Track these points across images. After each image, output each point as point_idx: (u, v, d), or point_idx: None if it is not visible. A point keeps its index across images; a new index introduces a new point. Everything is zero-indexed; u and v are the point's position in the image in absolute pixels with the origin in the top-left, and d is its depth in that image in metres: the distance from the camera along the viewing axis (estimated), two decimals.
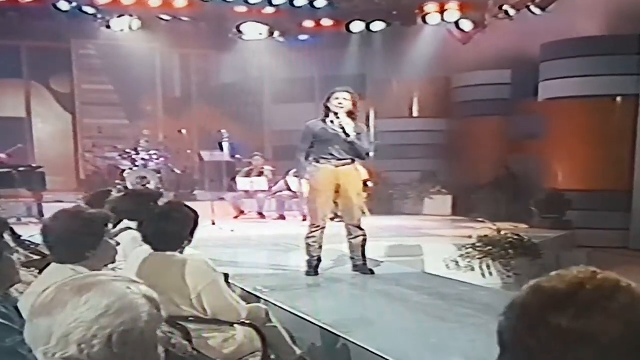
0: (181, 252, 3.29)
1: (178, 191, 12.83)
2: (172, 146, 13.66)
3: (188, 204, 12.01)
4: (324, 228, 5.44)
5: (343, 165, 5.26)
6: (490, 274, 7.27)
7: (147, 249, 3.18)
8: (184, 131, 13.75)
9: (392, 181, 13.05)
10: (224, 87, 15.53)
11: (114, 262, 2.82)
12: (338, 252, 6.15)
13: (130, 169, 12.56)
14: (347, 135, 5.17)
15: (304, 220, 10.91)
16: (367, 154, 5.45)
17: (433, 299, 4.71)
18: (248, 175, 11.63)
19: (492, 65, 12.96)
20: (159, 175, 12.72)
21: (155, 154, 12.96)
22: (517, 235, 7.78)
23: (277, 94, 15.23)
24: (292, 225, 10.60)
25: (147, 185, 12.43)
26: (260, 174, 11.58)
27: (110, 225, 2.75)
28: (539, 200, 10.31)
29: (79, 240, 2.62)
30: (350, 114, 5.22)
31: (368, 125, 14.63)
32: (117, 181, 12.49)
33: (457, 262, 7.33)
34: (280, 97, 15.12)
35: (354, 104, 5.26)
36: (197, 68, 15.85)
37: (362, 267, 5.51)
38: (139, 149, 12.86)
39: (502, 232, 7.86)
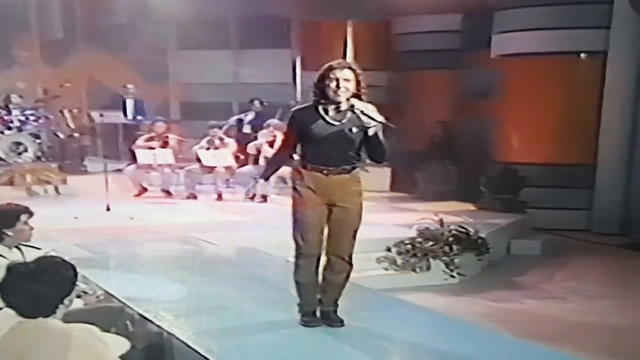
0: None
1: (63, 161, 12.61)
2: (54, 104, 13.32)
3: (78, 177, 11.74)
4: (319, 258, 4.69)
5: (339, 173, 4.55)
6: (431, 275, 7.56)
7: (12, 313, 3.18)
8: (67, 84, 13.45)
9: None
10: (118, 28, 15.17)
11: None
12: None
13: (2, 132, 12.22)
14: (369, 125, 4.38)
15: (219, 199, 11.00)
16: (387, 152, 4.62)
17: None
18: (149, 145, 11.47)
19: (440, 8, 13.15)
20: (38, 141, 12.42)
21: (32, 113, 12.61)
22: (463, 227, 8.10)
23: (184, 38, 15.04)
24: (205, 207, 10.61)
25: (24, 154, 12.16)
26: (165, 143, 11.45)
27: None
28: (490, 178, 10.68)
29: None
30: (354, 96, 4.46)
31: (295, 78, 14.81)
32: None
33: (394, 261, 7.57)
34: (189, 42, 14.93)
35: (358, 83, 4.48)
36: (84, 3, 15.37)
37: (332, 315, 4.79)
38: (11, 106, 12.47)
39: (446, 224, 8.16)
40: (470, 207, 10.70)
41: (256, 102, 13.01)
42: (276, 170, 4.90)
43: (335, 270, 4.72)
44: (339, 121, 4.46)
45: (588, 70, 11.13)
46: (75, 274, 3.32)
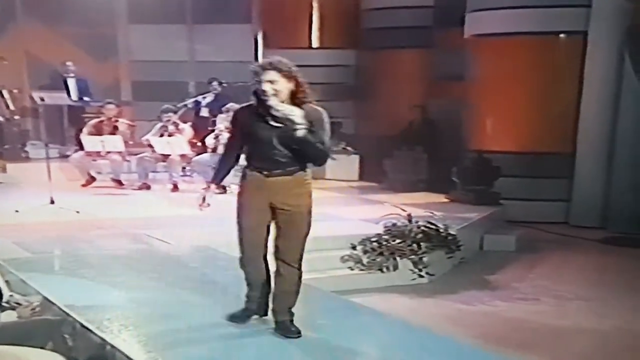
0: None
1: (3, 146, 12.52)
2: None
3: (19, 164, 11.48)
4: (264, 260, 4.86)
5: (281, 175, 4.66)
6: (399, 275, 7.66)
7: None
8: (5, 62, 13.24)
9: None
10: None
11: None
12: None
13: None
14: (294, 128, 4.47)
15: (174, 190, 11.00)
16: (326, 156, 4.67)
17: None
18: (98, 129, 11.41)
19: None
20: None
21: None
22: (432, 224, 8.21)
23: (135, 11, 14.90)
24: (159, 199, 10.63)
25: None
26: (115, 129, 11.39)
27: None
28: (462, 167, 10.80)
29: None
30: (294, 97, 4.56)
31: (256, 57, 14.77)
32: None
33: (360, 260, 7.66)
34: (141, 16, 14.82)
35: (297, 83, 4.56)
36: None
37: (288, 325, 4.90)
38: None
39: (415, 219, 8.26)
40: (441, 198, 10.85)
41: (214, 83, 12.97)
42: (227, 173, 4.95)
43: (282, 276, 4.83)
44: (282, 123, 4.53)
45: (567, 52, 11.22)
46: (1, 296, 3.34)
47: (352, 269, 7.65)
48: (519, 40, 11.16)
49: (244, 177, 4.76)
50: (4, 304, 4.42)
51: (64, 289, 5.88)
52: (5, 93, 13.32)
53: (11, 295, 4.82)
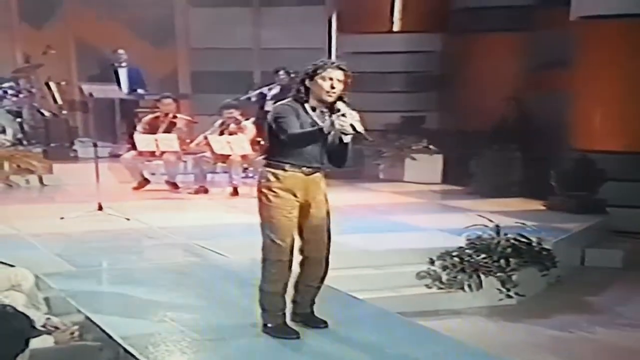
0: None
1: (49, 145, 12.87)
2: (37, 74, 13.56)
3: (66, 165, 11.67)
4: (290, 263, 5.39)
5: (313, 173, 5.30)
6: (483, 295, 7.65)
7: None
8: (52, 50, 13.60)
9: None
10: None
11: None
12: None
13: None
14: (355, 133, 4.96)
15: (234, 194, 11.17)
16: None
17: None
18: (153, 127, 11.65)
19: None
20: (19, 120, 12.76)
21: (11, 86, 12.93)
22: (523, 236, 8.14)
23: None
24: (217, 204, 10.85)
25: (1, 136, 12.51)
26: (172, 125, 11.61)
27: None
28: (562, 170, 10.67)
29: None
30: (340, 99, 5.17)
31: (330, 43, 14.89)
32: None
33: (439, 277, 7.67)
34: None
35: (346, 85, 5.18)
36: None
37: (310, 316, 5.60)
38: None
39: (504, 229, 8.21)
40: (537, 205, 10.75)
41: (281, 73, 13.05)
42: None
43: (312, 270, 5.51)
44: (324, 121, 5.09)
45: None
46: (32, 326, 3.47)
47: (429, 287, 7.67)
48: (636, 23, 10.92)
49: (282, 178, 5.18)
50: (40, 328, 4.58)
51: (108, 307, 6.09)
52: (52, 85, 13.67)
53: (48, 318, 4.99)
